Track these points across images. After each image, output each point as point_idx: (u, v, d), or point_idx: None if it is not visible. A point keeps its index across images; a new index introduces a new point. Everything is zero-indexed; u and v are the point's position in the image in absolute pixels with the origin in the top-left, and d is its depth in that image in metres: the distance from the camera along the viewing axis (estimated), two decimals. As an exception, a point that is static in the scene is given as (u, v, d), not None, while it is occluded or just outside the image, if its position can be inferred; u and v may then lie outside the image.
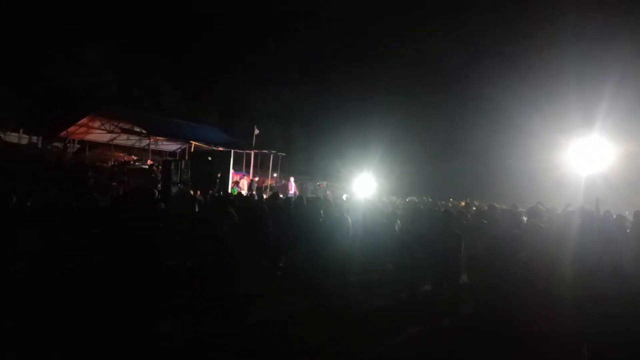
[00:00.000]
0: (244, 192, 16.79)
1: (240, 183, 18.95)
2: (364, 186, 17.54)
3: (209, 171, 15.93)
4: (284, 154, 22.24)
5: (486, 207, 10.52)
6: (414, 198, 19.11)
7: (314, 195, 17.18)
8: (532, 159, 22.43)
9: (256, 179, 20.41)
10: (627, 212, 10.71)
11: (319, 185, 24.67)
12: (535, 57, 26.01)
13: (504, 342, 5.16)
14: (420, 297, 7.11)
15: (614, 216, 8.54)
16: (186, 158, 17.81)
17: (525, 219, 8.02)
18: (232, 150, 18.02)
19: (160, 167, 16.22)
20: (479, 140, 27.08)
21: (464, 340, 5.41)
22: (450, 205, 16.60)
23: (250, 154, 20.76)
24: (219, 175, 16.33)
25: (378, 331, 5.74)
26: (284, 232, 8.30)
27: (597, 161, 17.79)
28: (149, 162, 17.64)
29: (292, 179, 20.71)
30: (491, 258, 6.18)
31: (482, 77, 27.64)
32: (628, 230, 7.60)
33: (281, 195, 11.87)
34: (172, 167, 14.34)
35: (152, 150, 20.50)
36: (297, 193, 18.83)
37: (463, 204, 16.17)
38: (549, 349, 4.72)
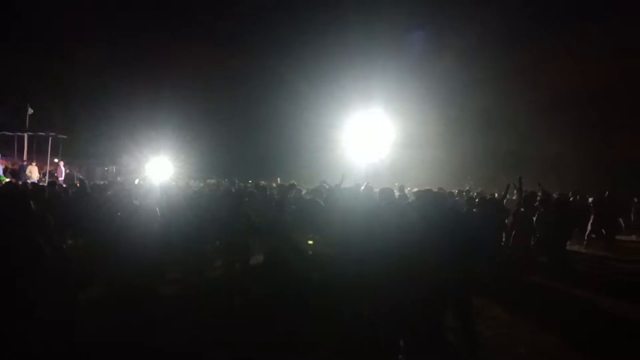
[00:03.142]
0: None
1: (28, 170, 16.49)
2: (159, 170, 16.95)
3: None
4: (65, 136, 20.05)
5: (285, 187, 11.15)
6: (212, 180, 19.15)
7: (102, 181, 15.99)
8: (320, 138, 24.02)
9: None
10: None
11: (106, 169, 22.96)
12: (324, 40, 27.75)
13: (292, 317, 5.62)
14: (213, 279, 7.35)
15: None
16: None
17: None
18: (-2, 132, 15.58)
19: None
20: (275, 120, 28.06)
21: (256, 318, 5.74)
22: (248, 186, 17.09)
23: (23, 136, 18.25)
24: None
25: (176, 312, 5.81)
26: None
27: (379, 141, 20.30)
28: None
29: (61, 164, 18.80)
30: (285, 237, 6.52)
31: (274, 56, 28.54)
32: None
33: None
34: None
35: None
36: (63, 178, 17.22)
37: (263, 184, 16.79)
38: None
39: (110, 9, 28.90)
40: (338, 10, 26.91)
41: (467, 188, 14.53)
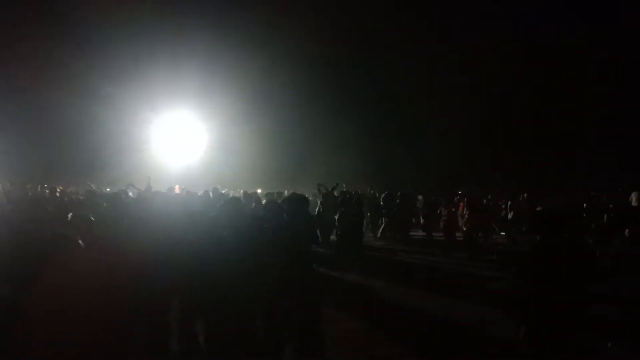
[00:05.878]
0: None
1: None
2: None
3: None
4: None
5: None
6: (27, 185, 18.52)
7: None
8: (125, 137, 22.27)
9: None
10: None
11: None
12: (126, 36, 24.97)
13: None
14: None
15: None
16: None
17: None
18: None
19: None
20: (76, 119, 23.48)
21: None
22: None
23: None
24: None
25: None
26: None
27: (192, 143, 20.02)
28: None
29: None
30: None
31: (71, 51, 24.03)
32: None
33: None
34: None
35: None
36: None
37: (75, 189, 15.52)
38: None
39: None
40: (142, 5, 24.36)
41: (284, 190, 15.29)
